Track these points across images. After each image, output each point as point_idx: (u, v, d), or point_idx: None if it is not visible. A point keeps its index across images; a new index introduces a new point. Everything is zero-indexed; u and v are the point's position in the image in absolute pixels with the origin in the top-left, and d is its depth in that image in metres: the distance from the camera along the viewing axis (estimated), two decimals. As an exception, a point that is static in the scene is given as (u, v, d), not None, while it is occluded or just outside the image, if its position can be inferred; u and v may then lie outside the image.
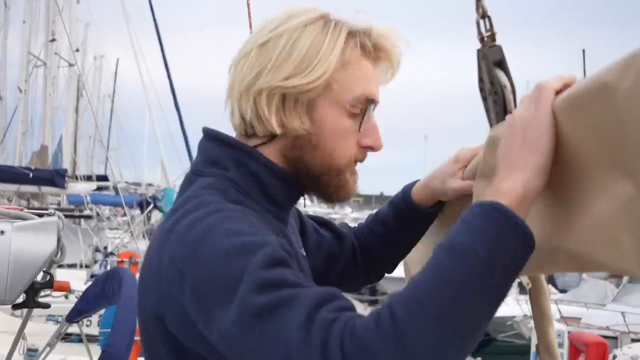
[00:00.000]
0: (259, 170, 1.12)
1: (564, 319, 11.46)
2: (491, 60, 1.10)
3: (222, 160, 1.13)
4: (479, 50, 1.11)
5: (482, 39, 1.10)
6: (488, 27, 1.10)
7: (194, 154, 1.20)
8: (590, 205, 0.87)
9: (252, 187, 1.12)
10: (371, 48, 1.14)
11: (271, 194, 1.14)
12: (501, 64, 1.10)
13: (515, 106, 1.10)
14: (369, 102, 1.13)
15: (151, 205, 15.93)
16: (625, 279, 13.59)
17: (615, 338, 11.05)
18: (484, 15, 1.10)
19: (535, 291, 1.25)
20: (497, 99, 1.10)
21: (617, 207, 0.82)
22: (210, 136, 1.18)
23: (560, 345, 9.98)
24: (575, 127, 0.88)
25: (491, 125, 1.13)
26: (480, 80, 1.13)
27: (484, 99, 1.14)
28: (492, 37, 1.10)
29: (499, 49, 1.10)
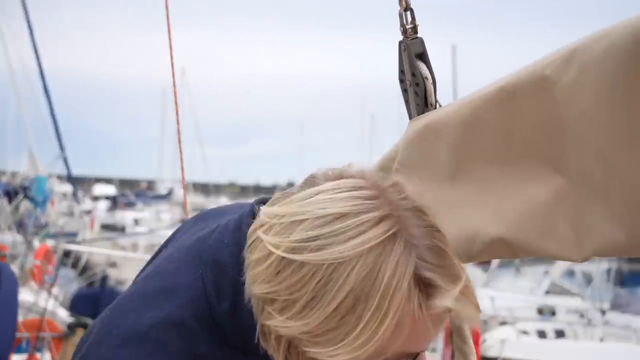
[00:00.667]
0: None
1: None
2: (413, 52, 1.11)
3: None
4: (401, 42, 1.13)
5: (404, 31, 1.12)
6: (410, 19, 1.12)
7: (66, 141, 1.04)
8: (526, 194, 0.90)
9: None
10: None
11: None
12: (422, 56, 1.12)
13: (436, 98, 1.12)
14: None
15: (21, 196, 15.15)
16: (493, 264, 14.26)
17: (485, 322, 11.62)
18: (406, 8, 1.11)
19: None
20: (418, 91, 1.12)
21: (553, 197, 0.86)
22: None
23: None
24: (511, 118, 0.91)
25: (411, 116, 1.15)
26: (401, 72, 1.14)
27: (404, 91, 1.15)
28: (415, 29, 1.11)
29: (421, 41, 1.12)
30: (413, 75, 1.12)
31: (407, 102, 1.15)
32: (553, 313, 12.81)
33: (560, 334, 11.82)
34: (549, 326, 11.95)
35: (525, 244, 0.91)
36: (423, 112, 1.11)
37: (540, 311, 12.55)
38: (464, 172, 1.01)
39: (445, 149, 1.03)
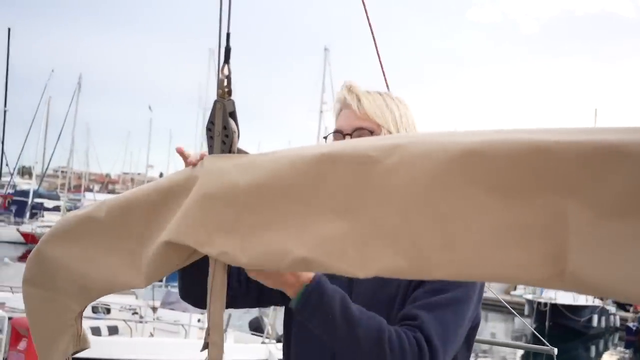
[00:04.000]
0: None
1: None
2: (228, 111, 1.41)
3: None
4: (216, 101, 1.41)
5: (222, 94, 1.41)
6: (226, 84, 1.41)
7: None
8: (323, 228, 1.28)
9: None
10: None
11: None
12: (233, 114, 1.42)
13: (237, 148, 1.43)
14: None
15: None
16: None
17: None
18: (228, 76, 1.40)
19: None
20: (226, 141, 1.42)
21: (344, 232, 1.25)
22: None
23: (0, 331, 9.86)
24: (324, 175, 1.27)
25: None
26: (211, 122, 1.43)
27: (211, 138, 1.44)
28: (230, 92, 1.41)
29: (233, 102, 1.42)
30: (224, 128, 1.41)
31: (211, 146, 1.44)
32: (108, 311, 13.20)
33: (114, 330, 12.27)
34: (103, 323, 12.28)
35: (322, 263, 1.29)
36: (227, 156, 1.43)
37: (95, 309, 12.79)
38: (269, 206, 1.34)
39: (249, 181, 1.35)
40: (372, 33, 2.01)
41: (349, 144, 1.32)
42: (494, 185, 1.10)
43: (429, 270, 1.18)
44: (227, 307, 1.48)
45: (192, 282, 1.68)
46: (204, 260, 1.45)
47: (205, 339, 1.46)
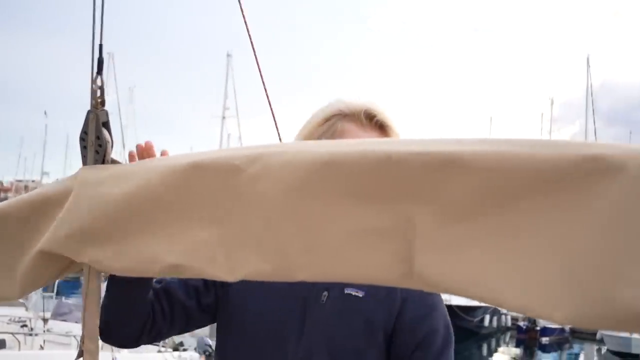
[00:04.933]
0: None
1: None
2: (101, 121, 1.43)
3: None
4: (90, 111, 1.43)
5: (95, 104, 1.43)
6: (100, 94, 1.43)
7: None
8: (194, 235, 1.32)
9: None
10: None
11: None
12: (106, 124, 1.45)
13: (110, 159, 1.46)
14: None
15: None
16: None
17: None
18: (101, 87, 1.43)
19: None
20: (99, 150, 1.44)
21: (213, 239, 1.30)
22: None
23: None
24: (192, 183, 1.32)
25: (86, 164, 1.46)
26: (85, 132, 1.44)
27: (84, 147, 1.45)
28: (103, 102, 1.43)
29: (107, 112, 1.44)
30: (97, 137, 1.44)
31: (84, 156, 1.46)
32: (-5, 324, 12.66)
33: (1, 344, 11.77)
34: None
35: (193, 269, 1.33)
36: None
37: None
38: (140, 215, 1.37)
39: (121, 191, 1.37)
40: (252, 45, 2.07)
41: (218, 152, 1.37)
42: (351, 192, 1.18)
43: (292, 273, 1.24)
44: (154, 341, 1.49)
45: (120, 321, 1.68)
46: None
47: (79, 346, 1.48)
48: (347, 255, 1.19)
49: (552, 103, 51.21)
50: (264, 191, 1.25)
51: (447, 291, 1.11)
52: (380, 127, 1.62)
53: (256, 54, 2.07)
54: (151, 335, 1.70)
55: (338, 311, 1.63)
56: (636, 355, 26.11)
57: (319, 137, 1.60)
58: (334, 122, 1.62)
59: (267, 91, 2.15)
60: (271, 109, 2.23)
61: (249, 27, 2.04)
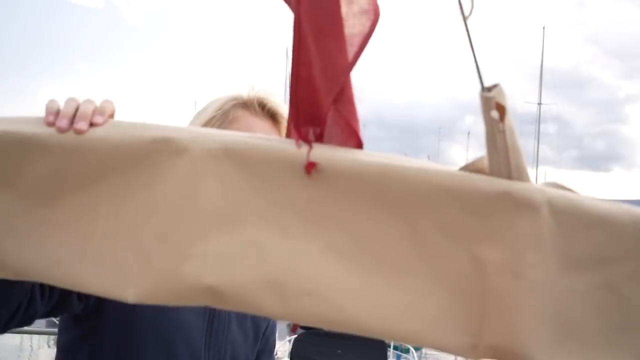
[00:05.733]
0: None
1: None
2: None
3: None
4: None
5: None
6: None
7: None
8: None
9: None
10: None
11: None
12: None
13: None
14: None
15: None
16: None
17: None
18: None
19: None
20: None
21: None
22: None
23: None
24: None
25: None
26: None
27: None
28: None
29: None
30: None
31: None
32: None
33: None
34: None
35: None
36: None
37: None
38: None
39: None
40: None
41: None
42: None
43: None
44: (23, 325, 1.29)
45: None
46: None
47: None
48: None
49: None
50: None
51: (30, 277, 0.93)
52: (272, 116, 1.68)
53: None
54: (26, 315, 1.30)
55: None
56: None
57: (214, 124, 1.62)
58: (228, 109, 1.65)
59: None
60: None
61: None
